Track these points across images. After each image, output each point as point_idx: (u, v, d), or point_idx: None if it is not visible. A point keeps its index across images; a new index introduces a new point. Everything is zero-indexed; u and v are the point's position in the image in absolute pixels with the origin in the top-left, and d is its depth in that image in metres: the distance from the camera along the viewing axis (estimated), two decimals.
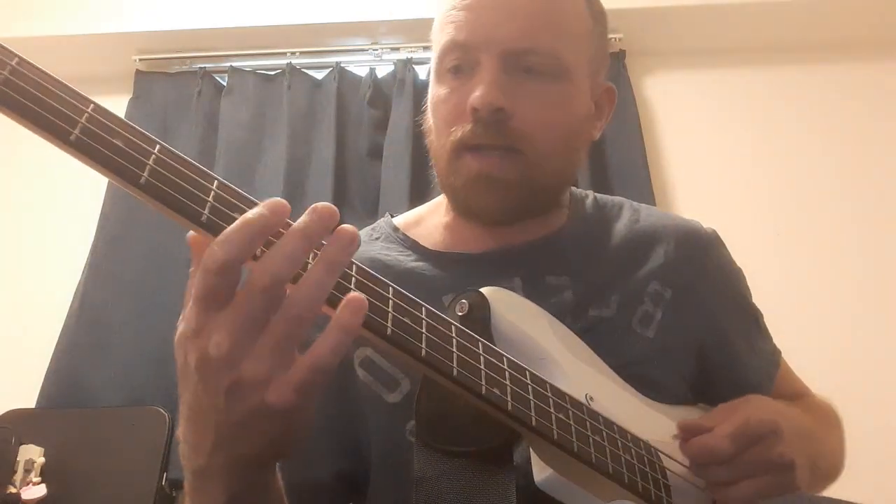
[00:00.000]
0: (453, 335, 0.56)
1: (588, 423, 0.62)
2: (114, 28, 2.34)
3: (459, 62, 0.77)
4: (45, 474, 1.70)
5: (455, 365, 0.54)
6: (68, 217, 2.28)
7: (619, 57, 2.38)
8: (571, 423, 0.61)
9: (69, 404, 1.91)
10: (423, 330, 0.53)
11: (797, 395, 0.94)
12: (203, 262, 0.44)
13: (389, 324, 0.51)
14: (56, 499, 1.69)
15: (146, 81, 2.40)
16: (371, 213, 2.16)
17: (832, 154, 2.30)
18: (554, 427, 0.59)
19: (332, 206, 0.46)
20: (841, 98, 2.36)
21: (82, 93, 0.47)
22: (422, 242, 0.84)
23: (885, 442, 1.90)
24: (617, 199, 0.93)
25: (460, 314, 0.66)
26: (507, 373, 0.58)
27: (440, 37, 0.79)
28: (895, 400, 1.95)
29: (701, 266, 0.86)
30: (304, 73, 2.39)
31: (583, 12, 0.81)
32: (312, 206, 0.46)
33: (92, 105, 0.46)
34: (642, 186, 2.15)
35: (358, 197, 2.21)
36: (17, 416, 1.86)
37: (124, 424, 1.87)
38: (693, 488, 0.71)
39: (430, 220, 0.88)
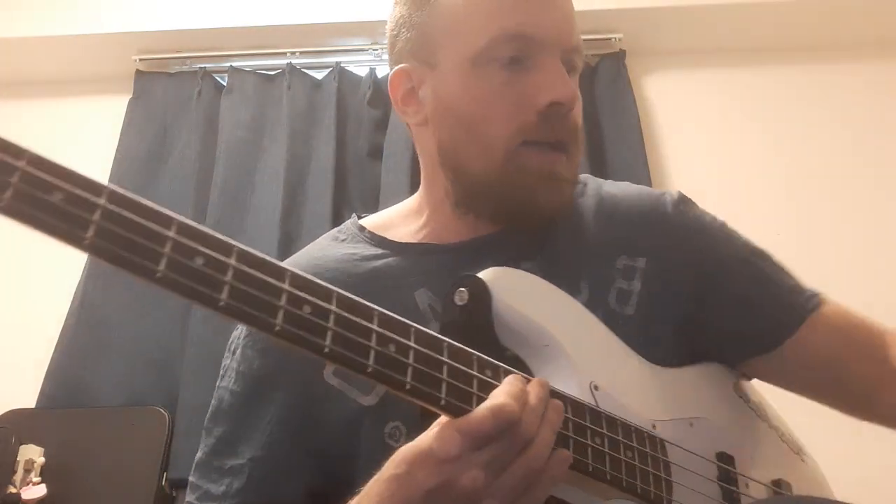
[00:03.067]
0: (445, 359, 0.55)
1: (588, 430, 0.61)
2: (114, 28, 2.34)
3: (519, 53, 0.73)
4: (45, 474, 1.70)
5: (443, 395, 0.54)
6: None
7: (619, 57, 2.38)
8: (570, 433, 0.60)
9: (69, 404, 1.91)
10: (411, 361, 0.52)
11: (875, 331, 0.86)
12: (497, 415, 0.51)
13: (371, 362, 0.51)
14: (56, 499, 1.69)
15: (146, 81, 2.39)
16: (371, 213, 2.15)
17: (832, 154, 2.30)
18: None
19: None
20: (841, 98, 2.36)
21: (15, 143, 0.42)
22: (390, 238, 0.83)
23: (888, 441, 1.90)
24: (581, 176, 0.89)
25: (460, 304, 0.64)
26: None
27: (489, 24, 0.74)
28: None
29: (667, 226, 0.83)
30: (304, 73, 2.39)
31: None
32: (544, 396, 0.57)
33: (26, 156, 0.42)
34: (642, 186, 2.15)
35: (358, 197, 2.21)
36: (17, 416, 1.86)
37: (124, 424, 1.87)
38: (699, 479, 0.69)
39: (402, 225, 0.85)
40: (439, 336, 0.56)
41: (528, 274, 0.70)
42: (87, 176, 0.42)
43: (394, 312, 0.54)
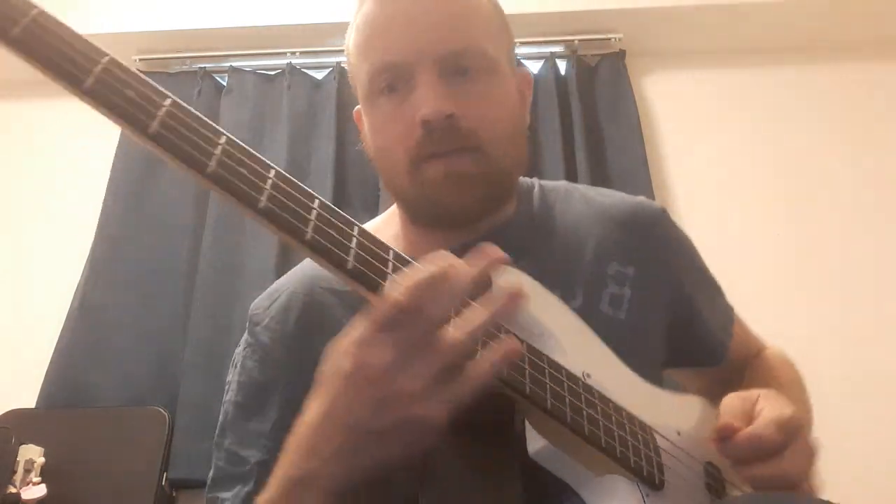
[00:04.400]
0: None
1: (583, 397, 0.63)
2: (114, 28, 2.34)
3: (392, 81, 0.77)
4: (45, 474, 1.70)
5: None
6: (69, 217, 2.27)
7: (619, 57, 2.38)
8: (566, 394, 0.61)
9: (69, 404, 1.91)
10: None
11: (754, 350, 0.97)
12: (394, 296, 0.50)
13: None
14: (56, 499, 1.69)
15: None
16: (371, 213, 2.15)
17: (832, 154, 2.30)
18: (548, 397, 0.60)
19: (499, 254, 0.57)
20: (841, 98, 2.37)
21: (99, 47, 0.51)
22: None
23: (885, 437, 1.90)
24: (562, 183, 0.94)
25: None
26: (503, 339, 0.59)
27: (363, 64, 0.80)
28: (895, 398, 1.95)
29: (656, 239, 0.87)
30: (304, 73, 2.39)
31: (485, 5, 0.83)
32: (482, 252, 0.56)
33: (107, 57, 0.51)
34: (642, 186, 2.15)
35: (358, 197, 2.21)
36: (17, 416, 1.86)
37: (124, 424, 1.87)
38: (687, 470, 0.70)
39: (385, 231, 0.89)
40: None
41: (521, 272, 0.71)
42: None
43: None
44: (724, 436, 0.67)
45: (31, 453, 1.71)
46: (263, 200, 0.52)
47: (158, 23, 2.36)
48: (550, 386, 0.60)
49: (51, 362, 1.97)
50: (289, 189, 0.54)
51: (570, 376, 0.63)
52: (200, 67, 2.39)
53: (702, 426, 0.79)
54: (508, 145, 0.80)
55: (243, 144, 0.54)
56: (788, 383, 0.90)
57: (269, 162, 0.55)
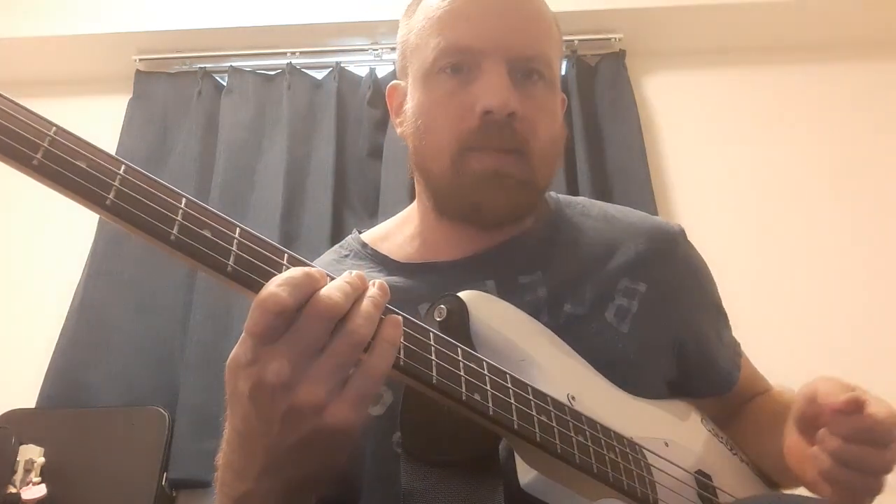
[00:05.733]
0: (431, 343, 0.56)
1: (571, 424, 0.63)
2: (114, 28, 2.34)
3: (459, 63, 0.77)
4: (45, 474, 1.70)
5: (434, 373, 0.54)
6: (68, 216, 2.27)
7: (619, 57, 2.38)
8: (554, 424, 0.61)
9: (69, 404, 1.91)
10: (401, 340, 0.53)
11: (761, 388, 0.96)
12: (262, 301, 0.47)
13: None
14: (56, 499, 1.69)
15: (146, 81, 2.39)
16: (371, 213, 2.16)
17: (832, 154, 2.30)
18: (536, 430, 0.59)
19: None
20: (841, 98, 2.37)
21: (44, 117, 0.48)
22: (392, 256, 0.85)
23: None
24: (580, 198, 0.95)
25: (438, 320, 0.66)
26: (487, 377, 0.58)
27: (432, 40, 0.79)
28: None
29: (671, 261, 0.87)
30: (304, 73, 2.39)
31: (554, 22, 0.85)
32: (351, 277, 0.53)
33: (55, 128, 0.47)
34: (642, 186, 2.15)
35: (358, 197, 2.21)
36: (17, 416, 1.86)
37: (124, 424, 1.87)
38: (679, 483, 0.70)
39: (398, 233, 0.89)
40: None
41: (504, 302, 0.72)
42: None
43: None
44: (853, 409, 0.64)
45: (31, 453, 1.71)
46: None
47: (158, 23, 2.35)
48: (537, 418, 0.60)
49: (51, 362, 1.97)
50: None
51: (556, 404, 0.63)
52: (200, 67, 2.39)
53: (689, 433, 0.80)
54: (550, 157, 0.80)
55: (204, 205, 0.51)
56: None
57: (232, 220, 0.52)
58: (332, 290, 0.49)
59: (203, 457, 1.80)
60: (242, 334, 0.49)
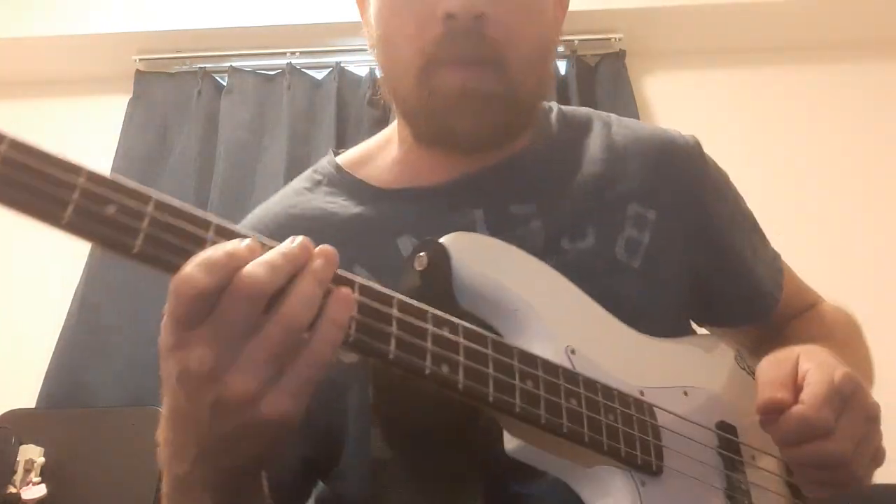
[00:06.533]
0: (394, 311, 0.49)
1: (562, 388, 0.56)
2: (114, 28, 2.34)
3: None
4: (45, 474, 1.70)
5: (392, 347, 0.48)
6: None
7: (619, 57, 2.38)
8: (541, 392, 0.54)
9: (69, 404, 1.91)
10: (356, 314, 0.47)
11: (807, 303, 0.87)
12: (178, 285, 0.42)
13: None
14: (56, 499, 1.69)
15: (146, 81, 2.39)
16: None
17: (832, 154, 2.30)
18: (517, 401, 0.53)
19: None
20: (841, 98, 2.36)
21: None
22: (371, 182, 0.76)
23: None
24: (584, 109, 0.85)
25: (419, 269, 0.59)
26: (461, 346, 0.52)
27: None
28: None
29: (685, 178, 0.78)
30: (304, 73, 2.39)
31: None
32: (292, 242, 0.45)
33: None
34: None
35: None
36: (17, 416, 1.86)
37: (124, 424, 1.87)
38: (693, 445, 0.63)
39: (379, 156, 0.80)
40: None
41: (495, 239, 0.64)
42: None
43: (376, 261, 0.52)
44: (768, 416, 0.60)
45: (31, 453, 1.70)
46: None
47: (158, 23, 2.35)
48: (520, 386, 0.53)
49: (50, 362, 1.97)
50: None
51: (548, 367, 0.56)
52: (200, 67, 2.39)
53: (715, 374, 0.72)
54: (536, 65, 0.70)
55: (109, 177, 0.45)
56: (843, 338, 0.80)
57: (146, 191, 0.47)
58: (258, 265, 0.42)
59: None
60: (164, 316, 0.44)
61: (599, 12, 2.32)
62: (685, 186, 0.78)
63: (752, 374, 0.71)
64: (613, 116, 0.83)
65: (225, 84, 2.38)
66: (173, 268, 0.43)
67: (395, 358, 0.48)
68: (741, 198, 0.86)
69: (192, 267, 0.42)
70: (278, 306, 0.43)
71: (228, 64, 2.39)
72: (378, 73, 0.76)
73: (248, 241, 0.44)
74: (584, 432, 0.56)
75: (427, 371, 0.49)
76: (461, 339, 0.52)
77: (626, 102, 2.31)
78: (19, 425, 1.77)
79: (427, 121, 0.70)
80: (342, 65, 2.39)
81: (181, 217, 0.45)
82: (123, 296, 2.05)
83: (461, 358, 0.51)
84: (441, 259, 0.59)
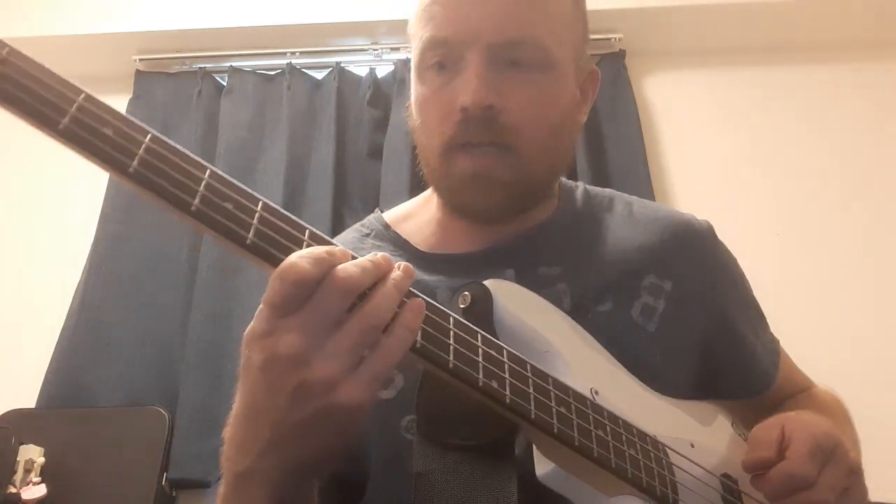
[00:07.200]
0: (451, 327, 0.55)
1: (591, 418, 0.61)
2: (114, 28, 2.34)
3: (442, 59, 0.75)
4: (45, 474, 1.70)
5: (451, 357, 0.53)
6: (69, 217, 2.27)
7: (619, 57, 2.38)
8: (573, 417, 0.60)
9: (69, 404, 1.91)
10: (420, 324, 0.53)
11: (801, 387, 0.93)
12: (282, 271, 0.47)
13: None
14: (56, 499, 1.69)
15: (146, 81, 2.39)
16: (371, 213, 2.16)
17: (832, 154, 2.30)
18: (555, 421, 0.58)
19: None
20: (841, 98, 2.37)
21: (75, 84, 0.48)
22: (412, 240, 0.83)
23: (888, 440, 1.90)
24: (608, 191, 0.92)
25: (462, 307, 0.65)
26: (506, 365, 0.57)
27: (420, 32, 0.76)
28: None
29: (699, 257, 0.85)
30: (304, 73, 2.39)
31: None
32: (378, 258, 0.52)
33: (83, 94, 0.48)
34: (642, 186, 2.15)
35: (358, 197, 2.21)
36: (17, 416, 1.86)
37: (124, 424, 1.87)
38: (702, 485, 0.69)
39: (420, 215, 0.87)
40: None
41: (528, 290, 0.71)
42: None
43: None
44: (754, 472, 0.67)
45: (31, 453, 1.71)
46: (250, 236, 0.49)
47: (158, 23, 2.35)
48: (556, 409, 0.59)
49: (51, 362, 1.97)
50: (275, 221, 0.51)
51: (578, 396, 0.62)
52: (200, 67, 2.39)
53: (716, 435, 0.78)
54: (549, 149, 0.77)
55: (228, 178, 0.50)
56: (832, 415, 0.86)
57: (255, 194, 0.52)
58: (353, 265, 0.49)
59: (203, 457, 1.81)
60: (260, 306, 0.49)
61: (599, 12, 2.32)
62: (699, 264, 0.85)
63: (747, 439, 0.80)
64: (635, 198, 0.91)
65: (225, 84, 2.38)
66: (276, 260, 0.48)
67: (453, 367, 0.53)
68: (747, 282, 0.92)
69: (297, 257, 0.47)
70: (362, 305, 0.49)
71: (228, 64, 2.39)
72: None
73: (340, 246, 0.51)
74: (612, 458, 0.61)
75: (480, 383, 0.54)
76: (506, 360, 0.57)
77: (625, 102, 2.31)
78: (19, 425, 1.78)
79: (447, 196, 0.80)
80: (342, 65, 2.39)
81: (283, 220, 0.51)
82: (124, 295, 2.06)
83: (507, 376, 0.57)
84: (484, 298, 0.65)
